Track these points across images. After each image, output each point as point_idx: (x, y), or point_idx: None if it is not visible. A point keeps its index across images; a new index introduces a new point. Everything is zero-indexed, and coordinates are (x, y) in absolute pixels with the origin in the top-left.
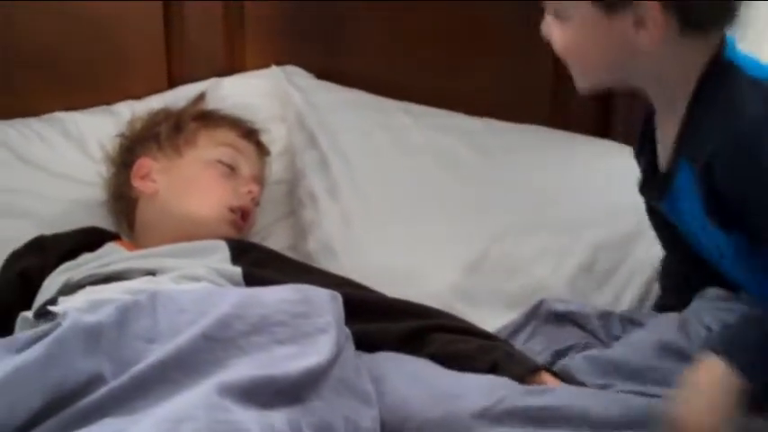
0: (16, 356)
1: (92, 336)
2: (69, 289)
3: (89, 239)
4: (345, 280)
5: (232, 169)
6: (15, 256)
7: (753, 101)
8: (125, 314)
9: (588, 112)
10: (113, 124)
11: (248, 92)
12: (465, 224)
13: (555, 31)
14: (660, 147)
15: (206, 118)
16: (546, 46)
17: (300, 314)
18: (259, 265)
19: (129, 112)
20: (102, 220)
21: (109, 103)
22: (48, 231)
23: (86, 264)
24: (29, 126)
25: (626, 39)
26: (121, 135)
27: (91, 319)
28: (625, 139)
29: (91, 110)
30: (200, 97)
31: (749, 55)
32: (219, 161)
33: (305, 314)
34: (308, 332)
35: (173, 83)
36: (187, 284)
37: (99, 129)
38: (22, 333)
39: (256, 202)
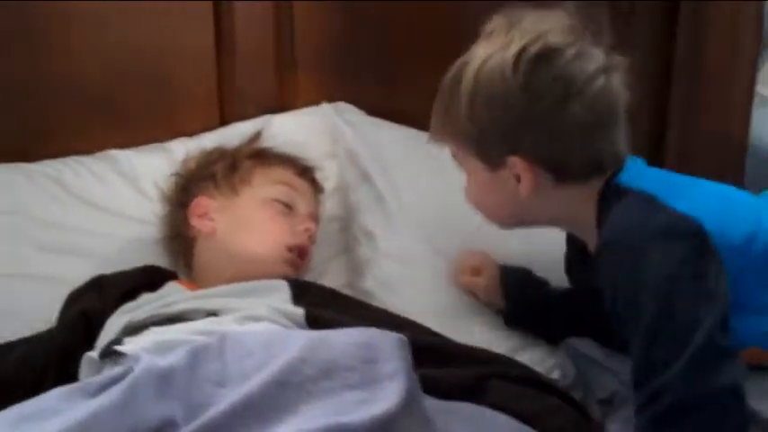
0: (91, 401)
1: (164, 380)
2: (132, 329)
3: (148, 279)
4: (406, 320)
5: (289, 207)
6: (75, 296)
7: (623, 212)
8: (195, 357)
9: (641, 143)
10: (166, 161)
11: (299, 129)
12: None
13: (466, 185)
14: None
15: (261, 156)
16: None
17: (369, 359)
18: (321, 305)
19: (181, 149)
20: (157, 258)
21: (161, 140)
22: (102, 269)
23: (148, 304)
24: (82, 163)
25: (511, 190)
26: (176, 174)
27: (163, 363)
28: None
29: (144, 147)
30: (256, 136)
31: (640, 169)
32: (276, 200)
33: (373, 359)
34: (377, 378)
35: (224, 120)
36: (250, 325)
37: (152, 166)
38: (94, 377)
39: (313, 240)
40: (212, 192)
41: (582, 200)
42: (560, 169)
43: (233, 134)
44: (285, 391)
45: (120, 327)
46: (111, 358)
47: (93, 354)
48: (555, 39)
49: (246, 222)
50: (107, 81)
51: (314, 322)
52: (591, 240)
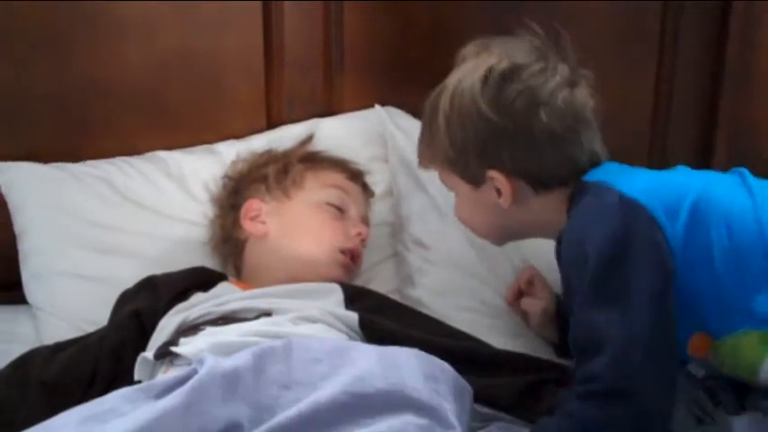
0: (155, 403)
1: (229, 382)
2: (187, 329)
3: (199, 279)
4: (456, 330)
5: (341, 211)
6: (127, 297)
7: (582, 201)
8: (261, 359)
9: (691, 142)
10: (214, 163)
11: (348, 132)
12: None
13: (455, 204)
14: None
15: (312, 160)
16: (645, 75)
17: (434, 390)
18: (373, 310)
19: (229, 151)
20: (205, 259)
21: (208, 141)
22: (149, 270)
23: (201, 303)
24: (130, 164)
25: (494, 203)
26: (226, 177)
27: (228, 364)
28: (727, 166)
29: (191, 148)
30: (308, 139)
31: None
32: (329, 203)
33: (438, 392)
34: (440, 409)
35: (271, 123)
36: (306, 326)
37: (199, 167)
38: (158, 378)
39: (365, 244)
40: (264, 195)
41: (560, 203)
42: (536, 178)
43: (281, 137)
44: (352, 404)
45: (174, 326)
46: (166, 359)
47: (148, 354)
48: (520, 57)
49: (300, 225)
50: (155, 82)
51: (367, 328)
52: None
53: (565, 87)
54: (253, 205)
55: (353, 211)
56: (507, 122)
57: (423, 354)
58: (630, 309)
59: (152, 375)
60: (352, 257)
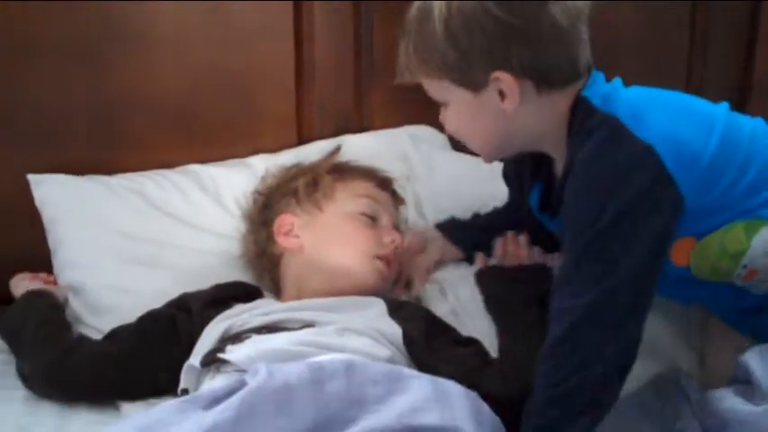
0: (204, 414)
1: (283, 395)
2: (232, 337)
3: (238, 292)
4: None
5: (373, 220)
6: (161, 308)
7: (592, 139)
8: (319, 373)
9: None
10: (247, 177)
11: (378, 147)
12: None
13: (446, 117)
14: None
15: (341, 171)
16: (674, 80)
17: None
18: (413, 319)
19: (261, 165)
20: (238, 271)
21: (240, 157)
22: (182, 282)
23: (245, 312)
24: (164, 177)
25: (496, 108)
26: (256, 192)
27: (281, 377)
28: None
29: (224, 162)
30: (336, 150)
31: (601, 82)
32: (361, 213)
33: None
34: None
35: (302, 138)
36: (351, 337)
37: (232, 180)
38: (206, 388)
39: (400, 251)
40: (295, 209)
41: (559, 110)
42: (543, 77)
43: (312, 152)
44: None
45: (219, 334)
46: (212, 366)
47: (195, 362)
48: None
49: (334, 237)
50: (187, 97)
51: (410, 343)
52: (560, 156)
53: None
54: (285, 220)
55: (385, 219)
56: (515, 19)
57: (472, 394)
58: (627, 263)
59: (198, 383)
60: (387, 264)
